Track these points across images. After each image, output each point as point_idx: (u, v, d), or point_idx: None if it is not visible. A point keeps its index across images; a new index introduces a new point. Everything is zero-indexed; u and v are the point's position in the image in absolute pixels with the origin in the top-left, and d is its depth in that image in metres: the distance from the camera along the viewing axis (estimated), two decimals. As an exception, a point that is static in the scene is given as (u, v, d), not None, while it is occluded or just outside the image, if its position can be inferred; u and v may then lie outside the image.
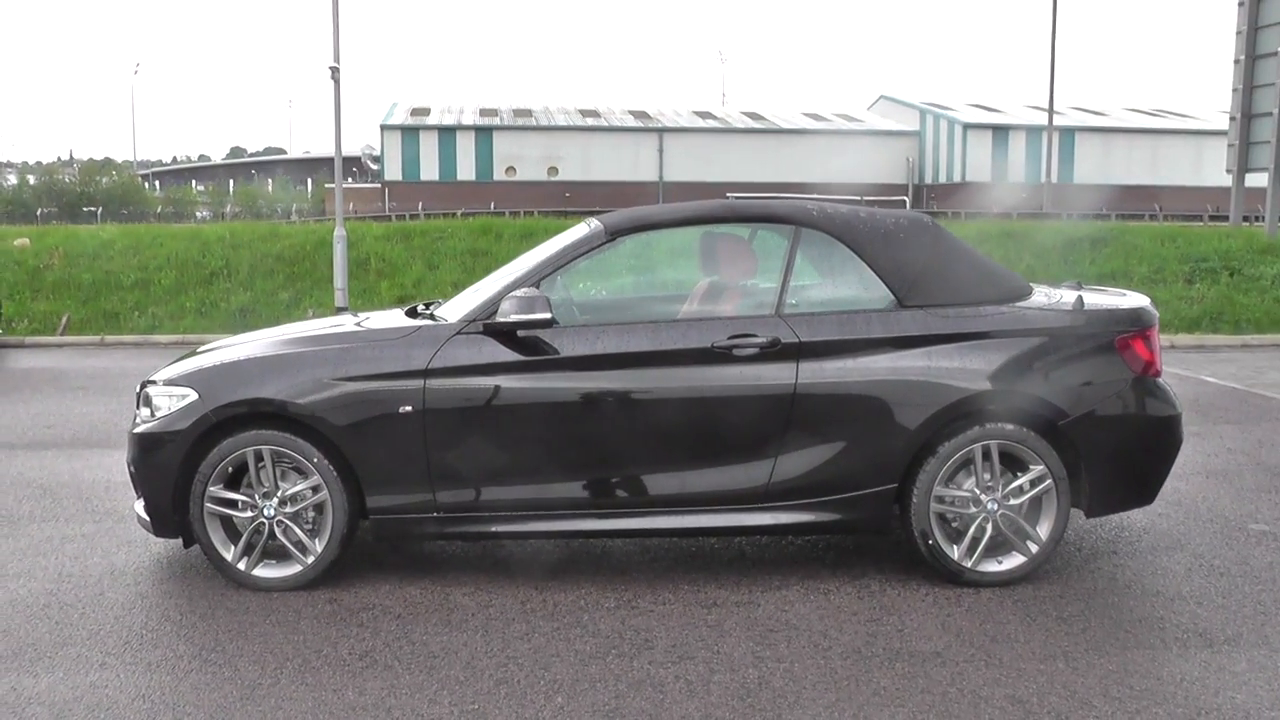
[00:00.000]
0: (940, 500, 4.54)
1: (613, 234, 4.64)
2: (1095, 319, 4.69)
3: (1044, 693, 3.63)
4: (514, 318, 4.34)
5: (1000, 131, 47.42)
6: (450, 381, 4.41)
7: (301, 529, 4.50)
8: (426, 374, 4.40)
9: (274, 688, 3.62)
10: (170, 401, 4.57)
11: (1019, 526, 4.57)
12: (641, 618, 4.24)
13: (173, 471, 4.49)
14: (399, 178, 42.32)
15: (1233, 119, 20.42)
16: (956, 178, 46.62)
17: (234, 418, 4.47)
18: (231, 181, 61.24)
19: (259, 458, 4.46)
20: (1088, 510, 4.72)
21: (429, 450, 4.41)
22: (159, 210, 50.15)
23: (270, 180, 60.80)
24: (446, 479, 4.44)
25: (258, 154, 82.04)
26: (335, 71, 13.83)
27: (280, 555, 4.54)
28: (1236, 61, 20.30)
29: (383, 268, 17.74)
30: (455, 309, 4.77)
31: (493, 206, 32.91)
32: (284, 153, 76.85)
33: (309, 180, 59.37)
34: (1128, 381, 4.64)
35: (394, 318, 5.00)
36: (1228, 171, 20.59)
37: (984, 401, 4.51)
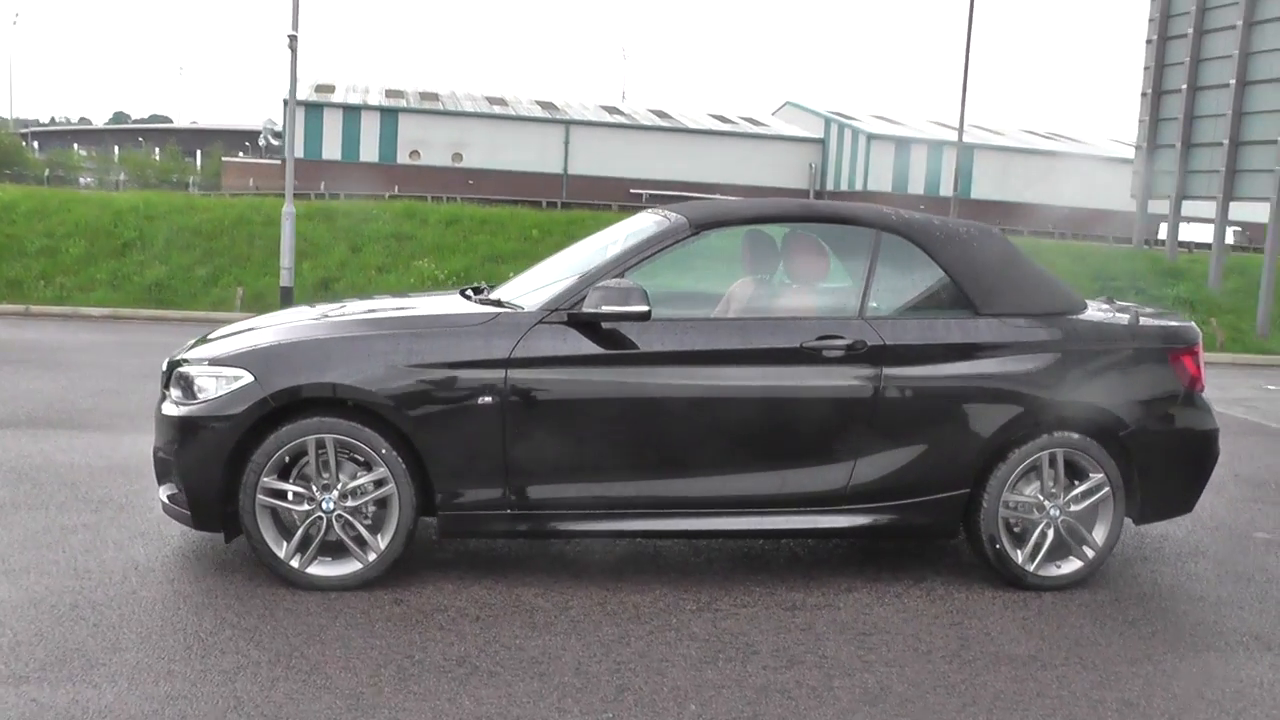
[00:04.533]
0: (1006, 506, 4.58)
1: (697, 228, 4.51)
2: (1152, 334, 4.80)
3: (1148, 695, 3.68)
4: (605, 309, 4.17)
5: (903, 144, 48.65)
6: (533, 372, 4.22)
7: (361, 524, 4.25)
8: (508, 364, 4.20)
9: (379, 697, 3.38)
10: (218, 383, 4.25)
11: (1078, 532, 4.63)
12: (730, 621, 4.14)
13: (221, 459, 4.18)
14: (301, 155, 40.90)
15: (1138, 148, 21.39)
16: (859, 186, 47.58)
17: (293, 404, 4.19)
18: (117, 148, 58.13)
19: (320, 447, 4.18)
20: (1137, 518, 4.82)
21: (506, 444, 4.21)
22: (46, 174, 47.17)
23: (158, 150, 58.00)
24: (523, 474, 4.25)
25: (142, 120, 78.12)
26: (293, 40, 13.23)
27: (337, 552, 4.27)
28: (1144, 94, 21.25)
29: (305, 248, 17.10)
30: (529, 297, 4.56)
31: (397, 190, 32.10)
32: (170, 121, 73.43)
33: (198, 152, 56.88)
34: (1179, 395, 4.76)
35: (456, 302, 4.77)
36: (1132, 197, 21.56)
37: (1054, 410, 4.56)
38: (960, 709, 3.51)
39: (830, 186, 50.63)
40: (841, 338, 4.40)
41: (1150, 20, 21.58)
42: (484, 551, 4.83)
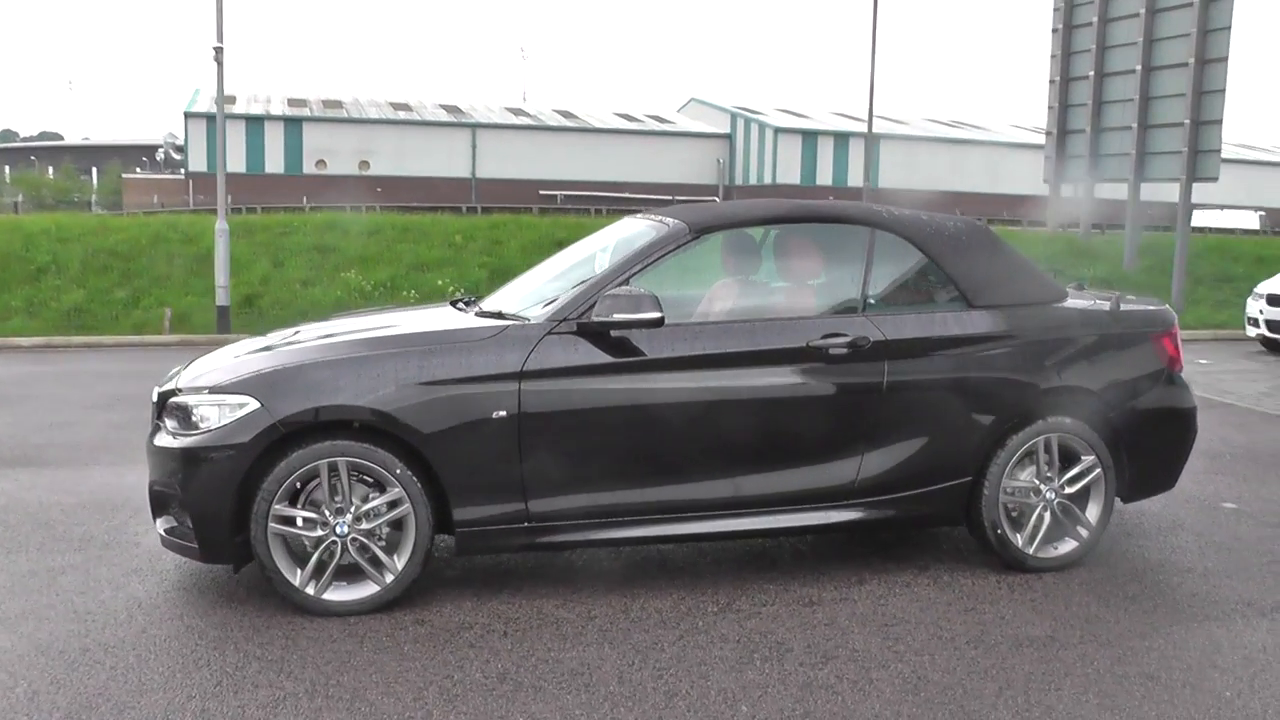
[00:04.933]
0: (1005, 491, 4.70)
1: (698, 232, 4.53)
2: (1134, 319, 4.98)
3: (1166, 668, 3.82)
4: (617, 316, 4.16)
5: (810, 136, 49.34)
6: (546, 384, 4.19)
7: (377, 546, 4.17)
8: (521, 376, 4.17)
9: (430, 720, 3.34)
10: (221, 411, 4.12)
11: (1073, 513, 4.79)
12: (754, 621, 4.17)
13: (231, 489, 4.06)
14: (204, 169, 39.69)
15: (1049, 134, 22.04)
16: (767, 180, 48.12)
17: (301, 429, 4.09)
18: (8, 168, 55.57)
19: (332, 470, 4.09)
20: (1125, 496, 5.00)
21: (523, 457, 4.17)
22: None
23: (51, 168, 55.62)
24: (539, 487, 4.22)
25: (32, 138, 74.86)
26: (219, 53, 12.83)
27: (351, 576, 4.19)
28: (1052, 82, 21.91)
29: (227, 264, 16.67)
30: (531, 308, 4.52)
31: (305, 201, 31.42)
32: (61, 138, 70.47)
33: (94, 169, 54.70)
34: (1161, 376, 4.95)
35: (455, 316, 4.70)
36: (1045, 181, 22.20)
37: (1048, 396, 4.70)
38: (998, 694, 3.59)
39: (739, 181, 51.15)
40: (845, 335, 4.47)
41: (1055, 9, 22.27)
42: (491, 566, 4.78)
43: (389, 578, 4.16)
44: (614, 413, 4.27)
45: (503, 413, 4.13)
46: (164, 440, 4.28)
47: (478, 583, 4.54)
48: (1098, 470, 4.79)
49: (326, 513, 4.12)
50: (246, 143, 40.47)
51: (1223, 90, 18.73)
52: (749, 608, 4.31)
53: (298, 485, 4.10)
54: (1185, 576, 4.80)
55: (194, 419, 4.19)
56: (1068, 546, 4.81)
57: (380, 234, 19.18)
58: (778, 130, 49.11)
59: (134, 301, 15.06)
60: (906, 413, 4.55)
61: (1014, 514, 4.76)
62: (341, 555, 4.14)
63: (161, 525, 4.38)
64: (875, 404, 4.50)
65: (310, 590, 4.12)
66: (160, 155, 46.56)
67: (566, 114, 50.79)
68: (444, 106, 47.61)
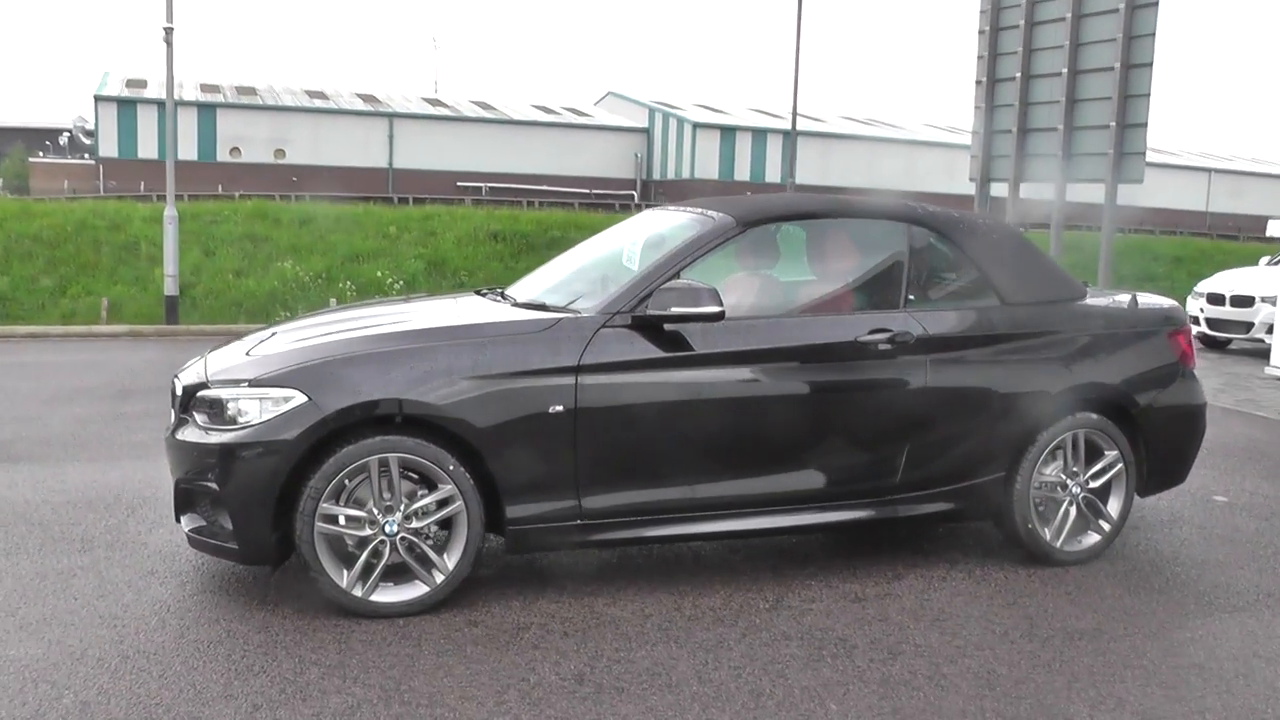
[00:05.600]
0: (1034, 486, 4.77)
1: (744, 225, 4.49)
2: (1153, 316, 5.10)
3: (1214, 659, 3.92)
4: (675, 310, 4.10)
5: (728, 132, 49.66)
6: (603, 378, 4.10)
7: (426, 545, 4.03)
8: (578, 370, 4.07)
9: (518, 724, 3.24)
10: (264, 405, 3.94)
11: (1096, 507, 4.89)
12: (810, 617, 4.15)
13: (275, 487, 3.88)
14: (115, 154, 38.11)
15: (975, 133, 22.45)
16: (685, 174, 48.30)
17: (350, 424, 3.93)
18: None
19: (383, 467, 3.95)
20: (1141, 491, 5.12)
21: (578, 452, 4.08)
22: None
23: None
24: (593, 483, 4.14)
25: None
26: (169, 33, 12.27)
27: (398, 576, 4.04)
28: (978, 83, 22.31)
29: (155, 253, 16.06)
30: (575, 301, 4.42)
31: (220, 189, 30.51)
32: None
33: (-2, 153, 52.09)
34: (1178, 372, 5.08)
35: (491, 307, 4.59)
36: (971, 180, 22.65)
37: (1077, 392, 4.78)
38: (1068, 687, 3.64)
39: (657, 175, 51.27)
40: (890, 330, 4.48)
41: (982, 12, 22.74)
42: (525, 564, 4.67)
43: (439, 578, 4.03)
44: (668, 407, 4.21)
45: (559, 407, 4.04)
46: (193, 435, 4.07)
47: (517, 582, 4.43)
48: (1120, 465, 4.90)
49: (375, 511, 3.97)
50: (159, 128, 39.03)
51: (1147, 95, 19.42)
52: (798, 604, 4.30)
53: (346, 483, 3.94)
54: (1202, 569, 4.94)
55: (230, 413, 3.99)
56: (1091, 540, 4.91)
57: (312, 223, 18.70)
58: (696, 125, 49.34)
59: (60, 290, 14.41)
60: (947, 409, 4.58)
61: (1041, 508, 4.84)
62: (390, 555, 4.00)
63: (188, 524, 4.17)
64: (918, 399, 4.52)
65: (357, 592, 3.97)
66: (64, 140, 44.49)
67: (484, 105, 50.24)
68: (360, 95, 46.64)
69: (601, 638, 3.89)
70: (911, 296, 4.68)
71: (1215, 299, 13.38)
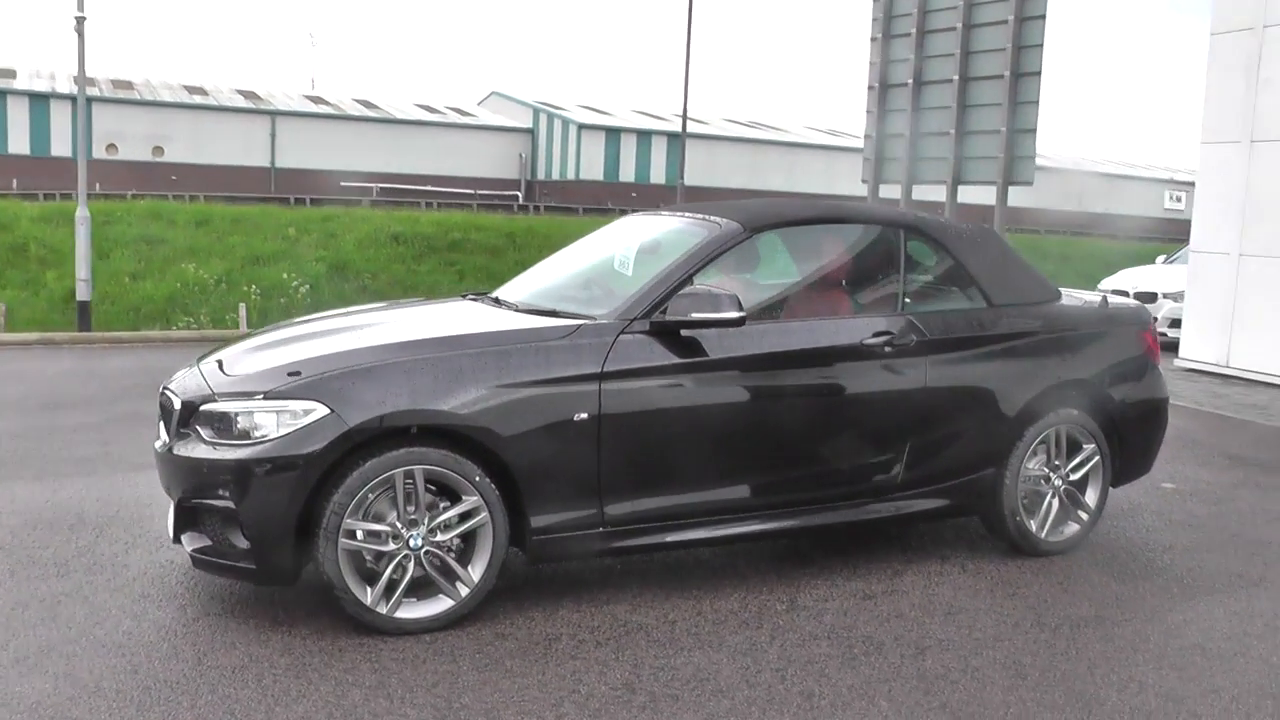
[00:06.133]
0: (1022, 480, 4.94)
1: (751, 231, 4.52)
2: (1124, 315, 5.35)
3: (1211, 639, 4.14)
4: (695, 315, 4.10)
5: (613, 134, 49.76)
6: (624, 384, 4.09)
7: (450, 559, 3.95)
8: (601, 377, 4.04)
9: (582, 736, 3.20)
10: (281, 419, 3.79)
11: (1076, 499, 5.10)
12: (830, 617, 4.22)
13: (298, 504, 3.75)
14: (-39, 150, 35.88)
15: (868, 137, 23.05)
16: (570, 175, 48.18)
17: (377, 436, 3.82)
18: None
19: (408, 479, 3.85)
20: (1113, 481, 5.35)
21: (601, 460, 4.05)
22: None
23: None
24: (616, 490, 4.11)
25: None
26: (80, 22, 11.60)
27: (421, 591, 3.94)
28: (870, 88, 22.90)
29: (46, 255, 15.30)
30: (580, 307, 4.39)
31: (98, 188, 29.06)
32: None
33: None
34: (1145, 368, 5.33)
35: (494, 312, 4.54)
36: (863, 182, 23.22)
37: (1060, 389, 4.98)
38: (1089, 672, 3.79)
39: (541, 176, 51.07)
40: (892, 333, 4.58)
41: (874, 19, 23.34)
42: (529, 575, 4.60)
43: (464, 591, 3.95)
44: (688, 413, 4.22)
45: (584, 415, 4.00)
46: (199, 451, 3.90)
47: (530, 592, 4.37)
48: (1097, 458, 5.11)
49: (398, 525, 3.87)
50: (30, 122, 36.87)
51: (1036, 102, 20.28)
52: (813, 604, 4.36)
53: (370, 497, 3.83)
54: (1172, 554, 5.19)
55: (242, 427, 3.83)
56: (1071, 530, 5.11)
57: (209, 224, 18.01)
58: (581, 126, 49.33)
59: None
60: (944, 408, 4.71)
61: (1025, 501, 5.02)
62: (414, 569, 3.90)
63: (191, 544, 3.99)
64: (918, 400, 4.64)
65: (382, 609, 3.86)
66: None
67: (367, 104, 49.17)
68: (241, 92, 45.04)
69: (635, 645, 3.88)
70: (908, 300, 4.80)
71: (1120, 295, 14.00)
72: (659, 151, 51.37)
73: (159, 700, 3.38)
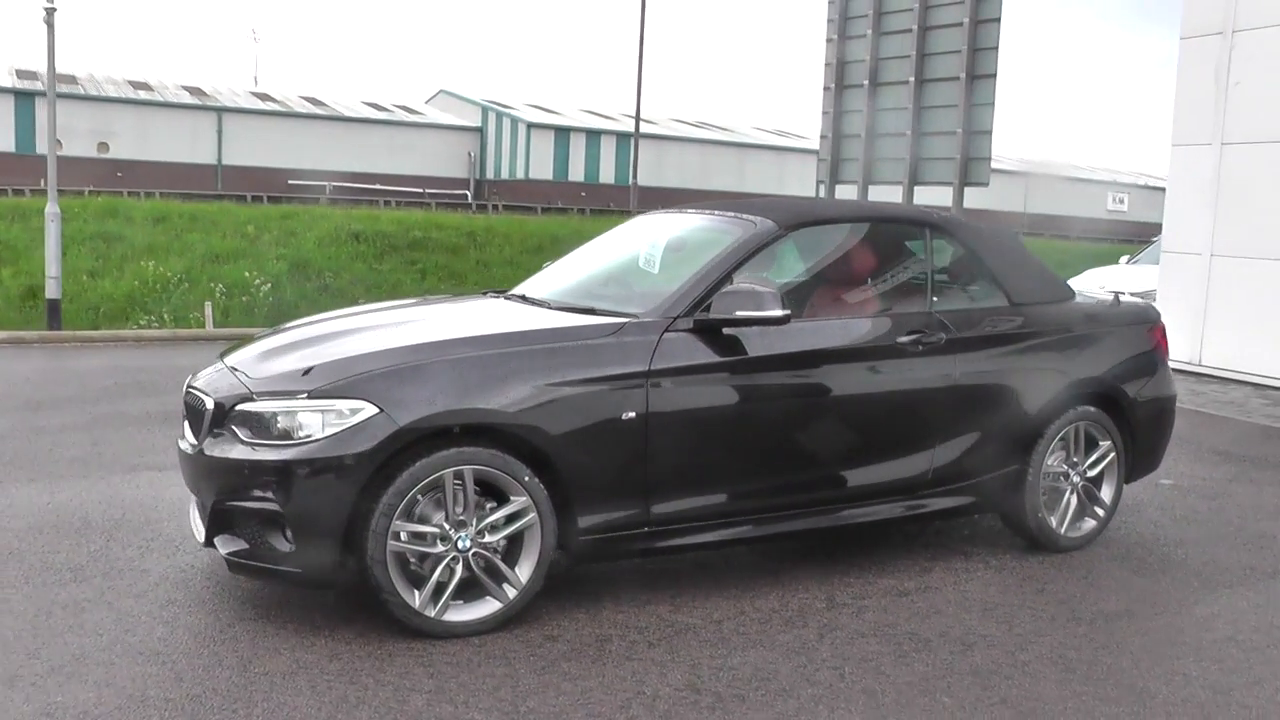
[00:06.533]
0: (1043, 477, 5.00)
1: (786, 229, 4.52)
2: (1137, 314, 5.44)
3: (1239, 630, 4.23)
4: (740, 314, 4.09)
5: (562, 133, 49.65)
6: (671, 382, 4.06)
7: (497, 560, 3.89)
8: (649, 375, 4.01)
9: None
10: (326, 419, 3.70)
11: (1093, 494, 5.17)
12: (872, 614, 4.23)
13: (347, 505, 3.67)
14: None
15: (824, 138, 23.20)
16: (520, 174, 47.96)
17: (426, 435, 3.75)
18: None
19: (457, 480, 3.78)
20: (1126, 477, 5.43)
21: (647, 459, 4.02)
22: None
23: None
24: (660, 489, 4.09)
25: None
26: (50, 14, 11.23)
27: (467, 593, 3.88)
28: (826, 89, 23.04)
29: (2, 252, 14.83)
30: (626, 305, 4.36)
31: (42, 184, 28.31)
32: None
33: None
34: (1156, 365, 5.43)
35: (526, 310, 4.50)
36: (819, 183, 23.35)
37: (1078, 387, 5.05)
38: (1134, 665, 3.85)
39: (490, 175, 50.78)
40: (924, 331, 4.61)
41: (829, 21, 23.51)
42: (563, 576, 4.55)
43: (511, 593, 3.89)
44: (732, 411, 4.20)
45: (632, 414, 3.97)
46: (236, 452, 3.79)
47: (568, 593, 4.30)
48: (1113, 455, 5.20)
49: (446, 526, 3.80)
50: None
51: (992, 104, 20.59)
52: (850, 600, 4.37)
53: (419, 498, 3.76)
54: (1184, 548, 5.29)
55: (284, 426, 3.74)
56: (1088, 526, 5.19)
57: (167, 221, 17.63)
58: (530, 125, 49.15)
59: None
60: (972, 406, 4.76)
61: (1045, 498, 5.08)
62: (463, 571, 3.83)
63: (226, 546, 3.88)
64: (947, 398, 4.68)
65: (430, 612, 3.79)
66: None
67: (315, 101, 48.48)
68: (187, 88, 44.11)
69: (687, 646, 3.85)
70: (935, 298, 4.83)
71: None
72: (608, 151, 51.34)
73: (212, 710, 3.28)
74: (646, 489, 4.06)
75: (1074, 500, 5.12)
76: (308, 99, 48.92)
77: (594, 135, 51.33)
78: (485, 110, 53.07)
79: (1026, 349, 4.93)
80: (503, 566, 3.88)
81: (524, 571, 3.91)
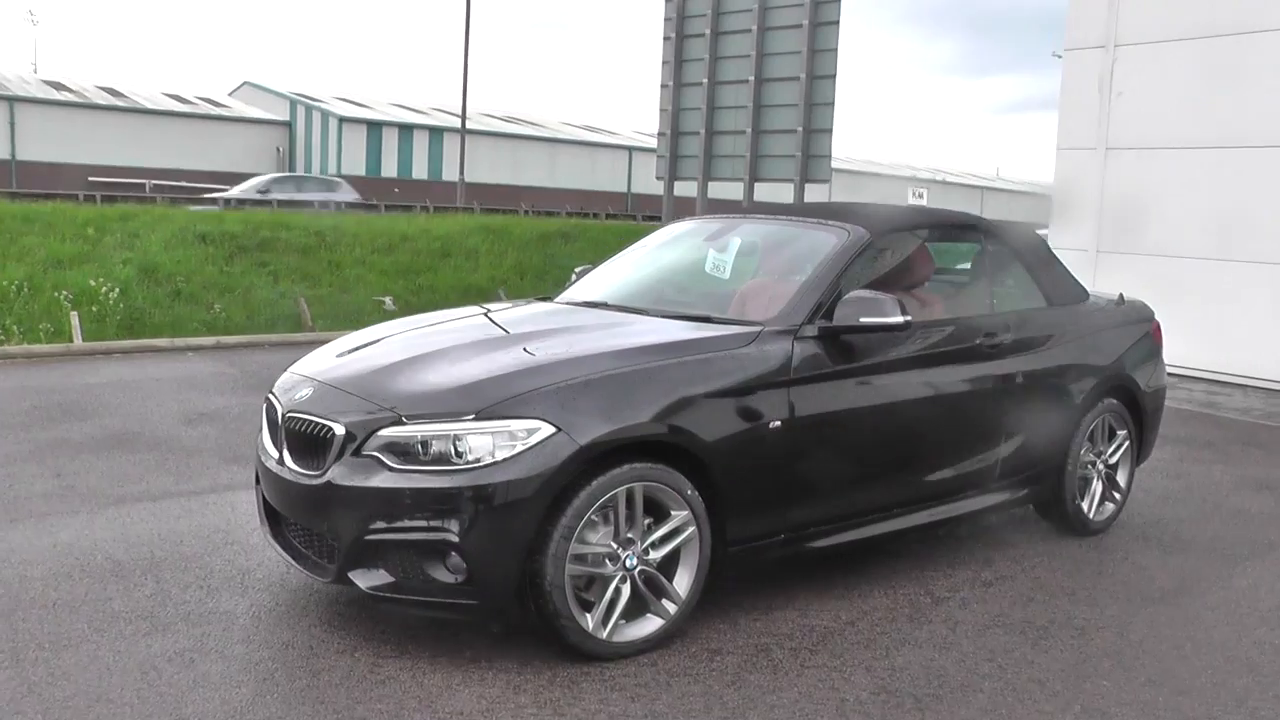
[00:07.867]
0: (1080, 467, 5.39)
1: (876, 236, 4.68)
2: (1141, 311, 5.92)
3: (1267, 606, 4.63)
4: (864, 320, 4.20)
5: (374, 127, 48.57)
6: (809, 389, 4.14)
7: (661, 577, 3.87)
8: (790, 383, 4.09)
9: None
10: (497, 440, 3.57)
11: (1114, 480, 5.61)
12: (977, 605, 4.44)
13: (529, 531, 3.57)
14: None
15: (662, 135, 23.41)
16: (331, 169, 46.41)
17: (602, 454, 3.68)
18: None
19: (629, 497, 3.75)
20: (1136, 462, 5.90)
21: (790, 466, 4.10)
22: None
23: None
24: (798, 495, 4.17)
25: None
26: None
27: (632, 611, 3.85)
28: (664, 86, 23.24)
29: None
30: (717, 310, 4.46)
31: None
32: None
33: None
34: (1157, 359, 5.92)
35: (616, 318, 4.53)
36: (658, 179, 23.59)
37: (1105, 381, 5.46)
38: (1179, 648, 4.10)
39: (301, 170, 48.96)
40: (997, 334, 4.89)
41: (667, 19, 23.82)
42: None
43: (672, 609, 3.88)
44: (862, 414, 4.34)
45: (778, 421, 4.04)
46: (384, 480, 3.59)
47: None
48: (1128, 443, 5.65)
49: (614, 545, 3.76)
50: None
51: (831, 103, 21.44)
52: (948, 595, 4.56)
53: (595, 519, 3.70)
54: (1196, 526, 5.79)
55: (439, 451, 3.58)
56: (1109, 510, 5.62)
57: (55, 224, 16.24)
58: (342, 119, 47.77)
59: None
60: (1029, 403, 5.07)
61: (1079, 486, 5.46)
62: (632, 590, 3.80)
63: (369, 581, 3.67)
64: (1012, 396, 4.97)
65: (601, 634, 3.73)
66: None
67: (113, 91, 45.37)
68: (-34, 74, 40.45)
69: (844, 649, 3.95)
70: (994, 301, 5.12)
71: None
72: (420, 146, 50.48)
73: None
74: (787, 496, 4.14)
75: (1099, 486, 5.53)
76: (105, 89, 45.80)
77: (406, 130, 50.38)
78: (294, 103, 51.11)
79: (1067, 348, 5.29)
80: (665, 583, 3.87)
81: (683, 586, 3.91)
